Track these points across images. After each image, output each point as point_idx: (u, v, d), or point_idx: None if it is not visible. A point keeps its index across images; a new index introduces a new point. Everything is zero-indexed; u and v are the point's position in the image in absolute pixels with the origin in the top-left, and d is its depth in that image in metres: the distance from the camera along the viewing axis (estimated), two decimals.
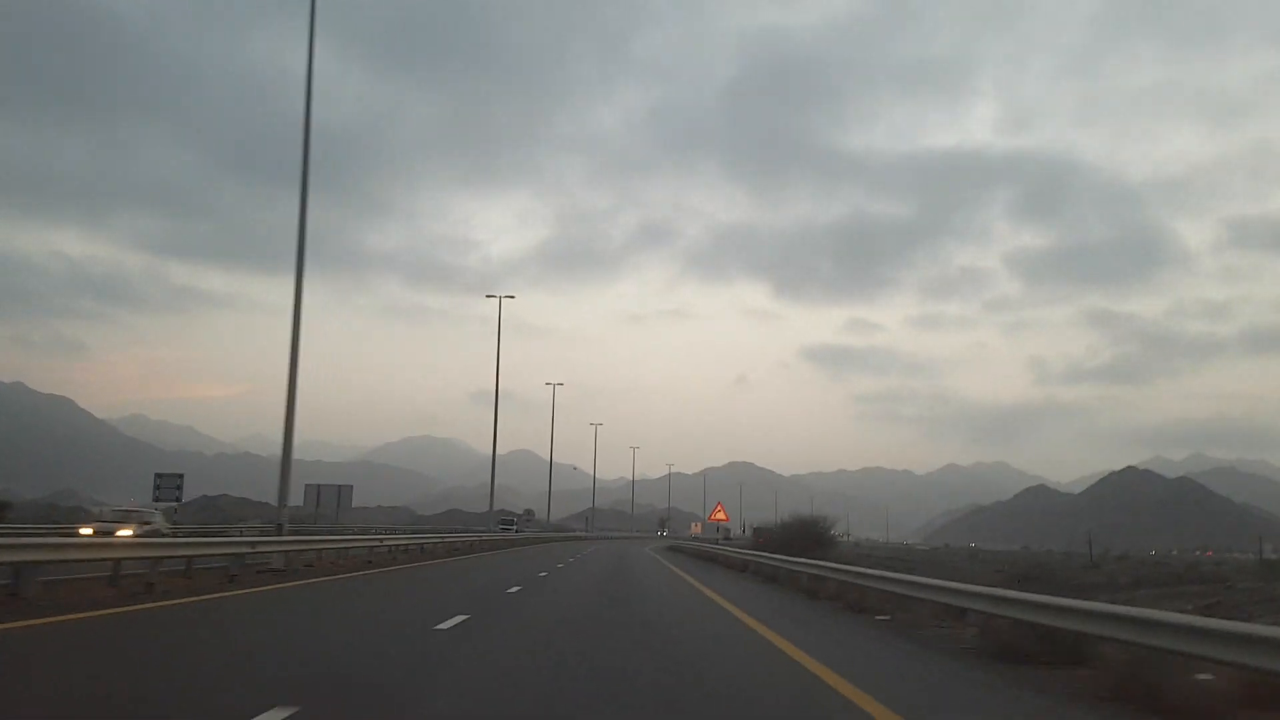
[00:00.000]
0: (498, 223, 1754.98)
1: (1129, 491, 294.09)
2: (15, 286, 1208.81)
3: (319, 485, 48.94)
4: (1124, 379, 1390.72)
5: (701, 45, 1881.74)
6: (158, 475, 41.66)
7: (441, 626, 11.99)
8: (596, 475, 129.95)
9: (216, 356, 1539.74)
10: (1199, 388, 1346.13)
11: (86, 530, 28.20)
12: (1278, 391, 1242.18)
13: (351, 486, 49.78)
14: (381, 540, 35.30)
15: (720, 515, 71.85)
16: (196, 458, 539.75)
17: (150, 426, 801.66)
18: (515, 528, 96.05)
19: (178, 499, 42.44)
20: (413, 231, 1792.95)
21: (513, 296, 69.52)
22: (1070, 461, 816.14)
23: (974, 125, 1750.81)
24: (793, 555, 27.16)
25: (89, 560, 15.75)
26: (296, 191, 29.18)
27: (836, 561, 24.08)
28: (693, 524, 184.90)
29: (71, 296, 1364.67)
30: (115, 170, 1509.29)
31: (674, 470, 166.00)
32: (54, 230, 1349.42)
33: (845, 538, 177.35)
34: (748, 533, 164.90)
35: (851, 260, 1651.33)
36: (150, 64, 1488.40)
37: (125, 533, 26.19)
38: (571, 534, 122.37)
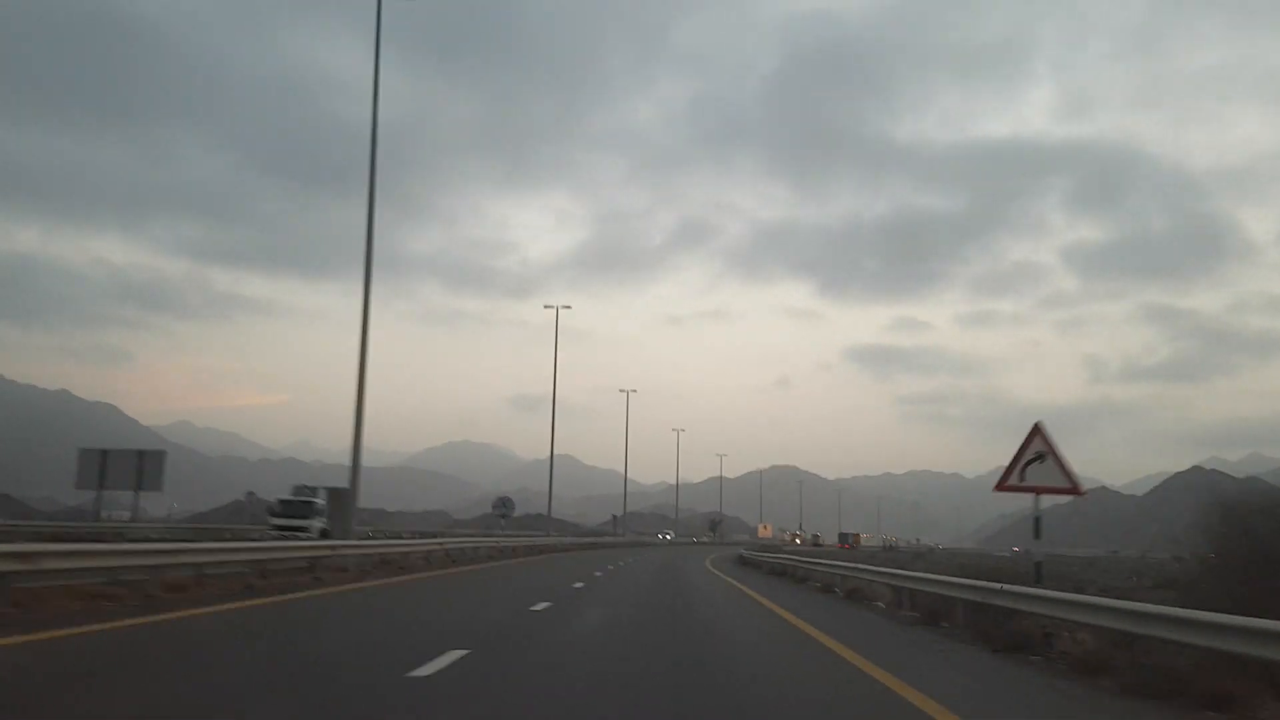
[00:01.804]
0: (535, 224, 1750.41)
1: (1196, 493, 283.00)
2: (58, 294, 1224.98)
3: (104, 451, 38.59)
4: (1181, 377, 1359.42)
5: (743, 32, 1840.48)
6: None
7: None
8: (634, 478, 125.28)
9: (261, 363, 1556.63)
10: (1258, 385, 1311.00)
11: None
12: None
13: (164, 453, 40.96)
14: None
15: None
16: (240, 464, 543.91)
17: (195, 433, 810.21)
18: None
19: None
20: (450, 234, 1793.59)
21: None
22: (1124, 463, 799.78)
23: (1029, 112, 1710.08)
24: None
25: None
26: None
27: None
28: (761, 526, 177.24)
29: (114, 304, 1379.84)
30: (153, 175, 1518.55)
31: (716, 475, 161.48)
32: (94, 237, 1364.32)
33: (937, 548, 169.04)
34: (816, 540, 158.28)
35: (899, 257, 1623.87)
36: (185, 66, 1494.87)
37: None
38: (596, 538, 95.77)
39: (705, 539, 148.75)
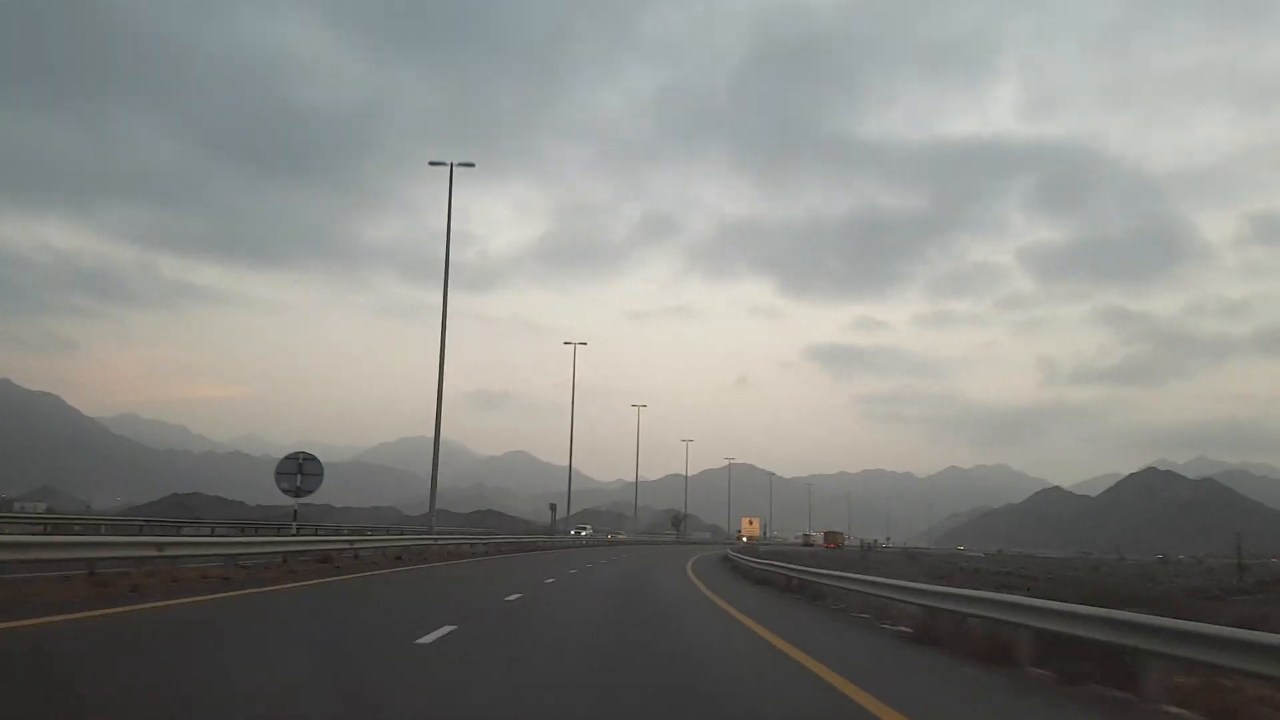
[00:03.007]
0: (497, 215, 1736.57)
1: (1149, 494, 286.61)
2: (0, 279, 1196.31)
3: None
4: (1134, 380, 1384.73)
5: (712, 22, 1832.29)
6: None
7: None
8: (591, 475, 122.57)
9: (211, 354, 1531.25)
10: (1209, 389, 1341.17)
11: None
12: None
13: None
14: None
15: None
16: (184, 457, 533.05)
17: (141, 425, 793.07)
18: None
19: None
20: (410, 224, 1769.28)
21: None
22: (1073, 464, 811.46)
23: (995, 110, 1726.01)
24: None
25: None
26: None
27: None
28: (746, 521, 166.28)
29: (60, 290, 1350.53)
30: (102, 157, 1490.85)
31: (674, 473, 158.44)
32: (39, 221, 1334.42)
33: (888, 543, 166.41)
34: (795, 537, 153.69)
35: (860, 256, 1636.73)
36: (137, 45, 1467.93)
37: None
38: (520, 540, 65.12)
39: (668, 536, 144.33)
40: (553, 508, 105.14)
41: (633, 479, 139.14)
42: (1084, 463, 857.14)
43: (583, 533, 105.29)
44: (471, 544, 44.89)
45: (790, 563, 29.66)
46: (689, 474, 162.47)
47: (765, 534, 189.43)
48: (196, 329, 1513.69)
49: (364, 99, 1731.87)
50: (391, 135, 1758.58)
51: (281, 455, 30.00)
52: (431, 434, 43.96)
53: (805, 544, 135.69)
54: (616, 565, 39.22)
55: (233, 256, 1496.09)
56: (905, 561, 61.63)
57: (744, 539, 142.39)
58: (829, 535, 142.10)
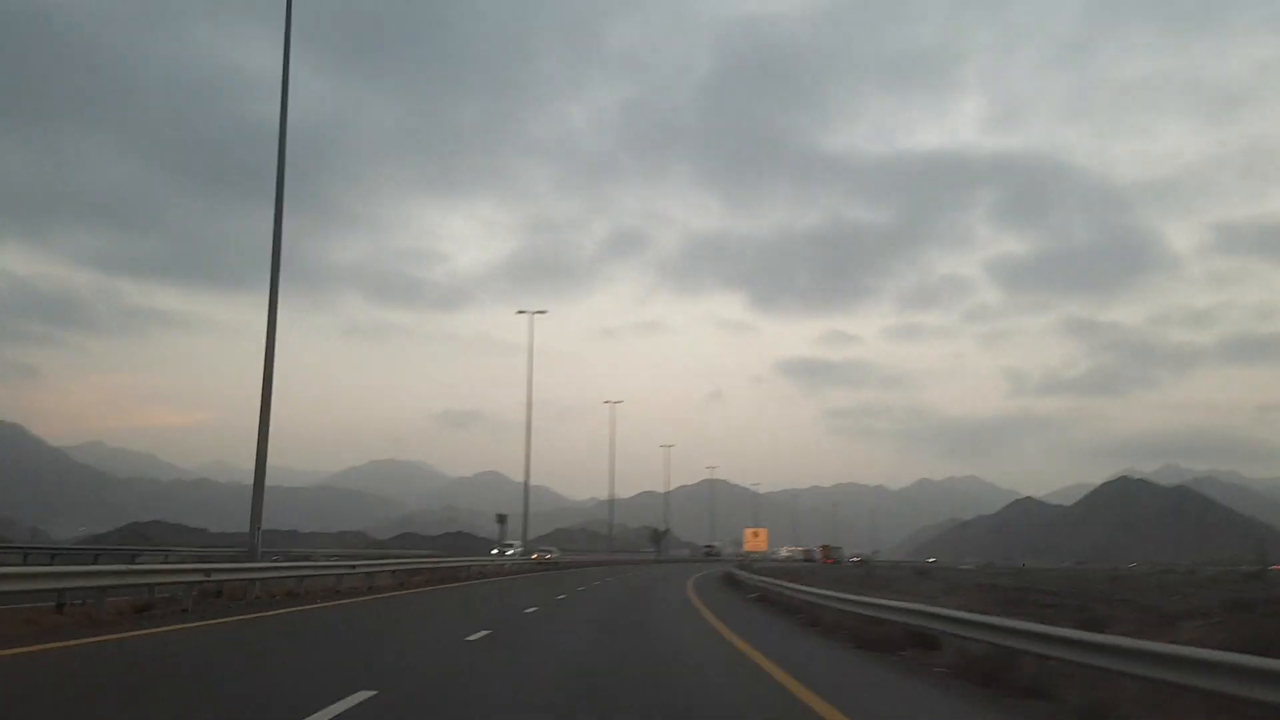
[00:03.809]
0: (463, 233, 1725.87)
1: (1123, 503, 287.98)
2: None
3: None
4: (1100, 390, 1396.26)
5: (677, 36, 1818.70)
6: None
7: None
8: (564, 494, 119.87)
9: (176, 380, 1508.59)
10: (1175, 399, 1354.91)
11: None
12: (1252, 401, 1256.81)
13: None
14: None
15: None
16: (151, 485, 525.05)
17: (107, 454, 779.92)
18: None
19: None
20: (375, 243, 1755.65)
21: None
22: (1042, 474, 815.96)
23: (959, 122, 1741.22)
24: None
25: None
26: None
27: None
28: (750, 533, 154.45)
29: (19, 318, 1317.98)
30: (56, 180, 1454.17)
31: (648, 490, 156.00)
32: None
33: (877, 556, 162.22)
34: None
35: (829, 270, 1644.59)
36: (88, 63, 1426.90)
37: None
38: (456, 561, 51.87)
39: (646, 553, 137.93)
40: (500, 520, 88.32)
41: (606, 496, 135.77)
42: (1053, 473, 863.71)
43: (509, 552, 77.11)
44: (339, 574, 29.45)
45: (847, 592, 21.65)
46: (662, 491, 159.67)
47: (719, 552, 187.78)
48: (160, 355, 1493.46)
49: (324, 116, 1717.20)
50: (353, 153, 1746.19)
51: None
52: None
53: (806, 559, 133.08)
54: (554, 622, 19.76)
55: (194, 280, 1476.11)
56: (916, 578, 55.38)
57: (743, 551, 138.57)
58: (825, 551, 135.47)
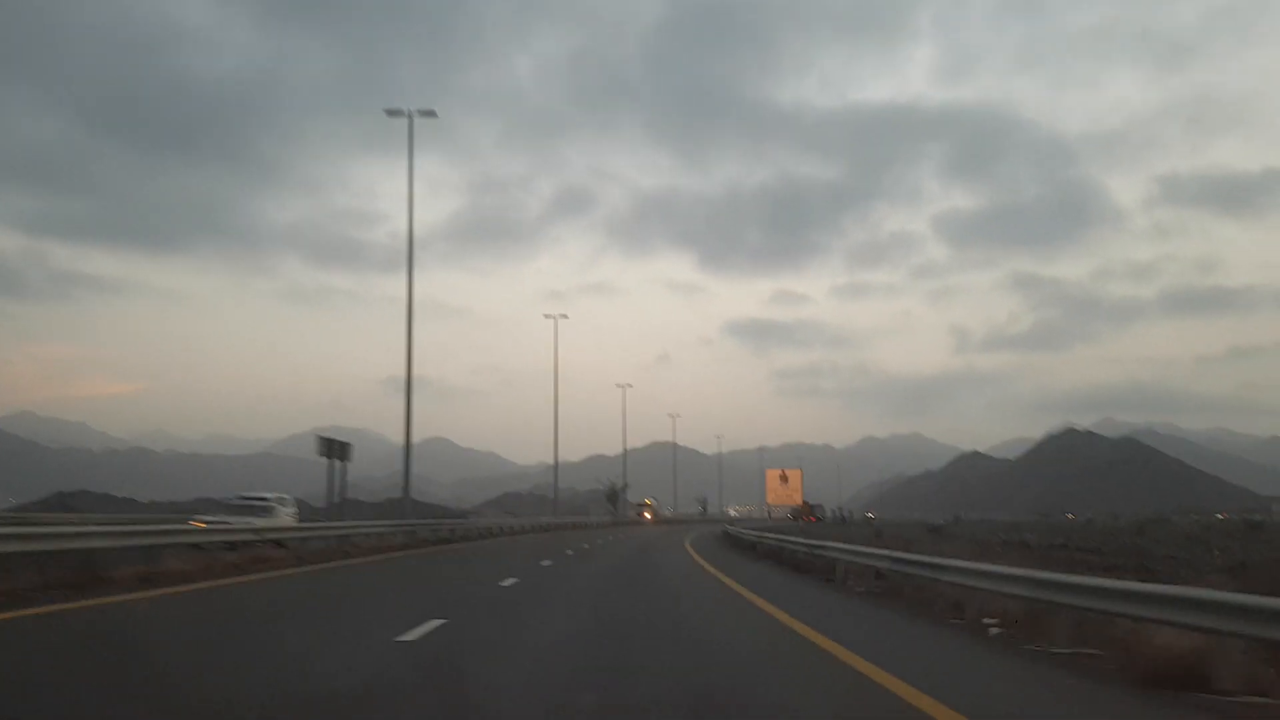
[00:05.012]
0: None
1: (1069, 455, 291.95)
2: None
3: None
4: (1042, 345, 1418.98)
5: None
6: None
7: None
8: (512, 459, 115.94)
9: (110, 348, 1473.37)
10: (1114, 352, 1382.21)
11: None
12: (1189, 354, 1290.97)
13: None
14: None
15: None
16: (83, 455, 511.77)
17: (38, 424, 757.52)
18: None
19: None
20: (314, 203, 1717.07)
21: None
22: (983, 430, 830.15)
23: (910, 73, 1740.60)
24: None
25: None
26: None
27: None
28: (779, 474, 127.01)
29: None
30: None
31: (598, 453, 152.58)
32: None
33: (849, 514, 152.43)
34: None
35: (779, 227, 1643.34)
36: (9, 16, 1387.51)
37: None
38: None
39: (596, 518, 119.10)
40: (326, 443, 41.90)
41: (554, 461, 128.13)
42: (993, 428, 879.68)
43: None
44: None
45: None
46: (610, 454, 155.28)
47: (705, 511, 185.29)
48: (93, 321, 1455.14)
49: (256, 69, 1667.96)
50: (288, 108, 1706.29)
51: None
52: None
53: (794, 518, 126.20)
54: None
55: (126, 243, 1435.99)
56: (933, 537, 47.61)
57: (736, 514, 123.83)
58: (806, 508, 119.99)
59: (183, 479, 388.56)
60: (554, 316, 72.89)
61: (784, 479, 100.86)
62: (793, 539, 29.38)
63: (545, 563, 26.64)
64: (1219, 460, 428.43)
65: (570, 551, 35.05)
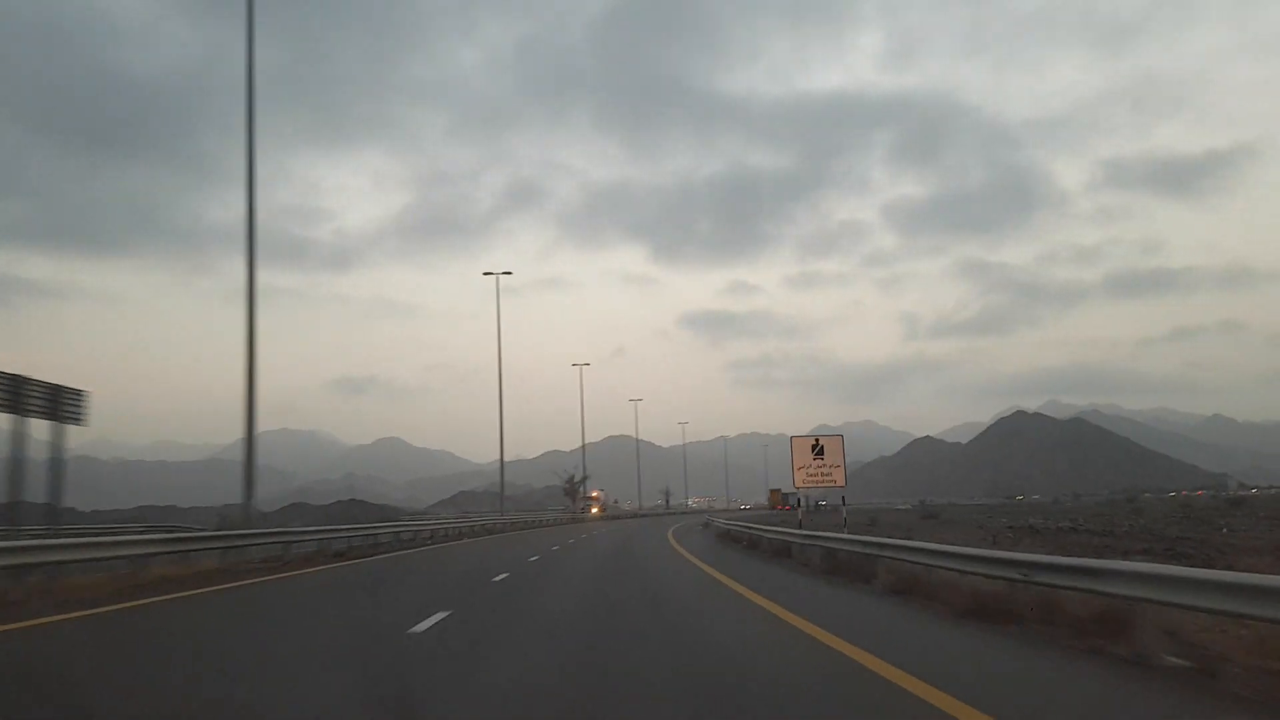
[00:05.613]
0: (351, 187, 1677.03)
1: (1018, 437, 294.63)
2: None
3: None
4: (989, 330, 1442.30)
5: None
6: None
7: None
8: (468, 458, 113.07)
9: (50, 353, 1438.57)
10: (1058, 336, 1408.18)
11: None
12: (1132, 335, 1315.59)
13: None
14: None
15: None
16: (25, 464, 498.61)
17: None
18: None
19: None
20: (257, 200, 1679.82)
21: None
22: (932, 415, 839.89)
23: (857, 60, 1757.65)
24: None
25: None
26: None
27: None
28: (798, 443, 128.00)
29: None
30: None
31: (553, 449, 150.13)
32: None
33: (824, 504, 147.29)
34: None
35: (730, 218, 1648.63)
36: None
37: None
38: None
39: (555, 514, 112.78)
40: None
41: (509, 458, 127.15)
42: (942, 413, 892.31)
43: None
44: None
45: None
46: (567, 450, 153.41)
47: (669, 504, 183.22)
48: (31, 326, 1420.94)
49: (192, 63, 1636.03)
50: (226, 103, 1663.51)
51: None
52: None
53: (771, 508, 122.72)
54: None
55: (63, 245, 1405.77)
56: (928, 524, 46.06)
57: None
58: (776, 496, 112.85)
59: (131, 487, 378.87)
60: (494, 273, 70.02)
61: (818, 449, 62.20)
62: (831, 537, 20.36)
63: (425, 623, 11.29)
64: (1163, 438, 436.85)
65: (500, 576, 19.57)
